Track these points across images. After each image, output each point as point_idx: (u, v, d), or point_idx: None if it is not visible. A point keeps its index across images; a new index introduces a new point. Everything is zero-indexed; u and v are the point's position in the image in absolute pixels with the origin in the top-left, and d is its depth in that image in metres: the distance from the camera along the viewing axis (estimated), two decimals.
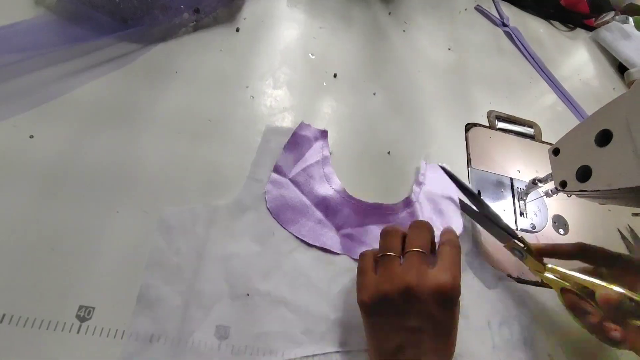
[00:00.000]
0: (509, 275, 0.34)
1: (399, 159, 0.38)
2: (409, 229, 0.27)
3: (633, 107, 0.25)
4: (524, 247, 0.31)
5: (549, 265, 0.30)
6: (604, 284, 0.27)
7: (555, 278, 0.29)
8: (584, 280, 0.27)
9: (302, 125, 0.35)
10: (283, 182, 0.32)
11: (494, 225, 0.32)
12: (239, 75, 0.37)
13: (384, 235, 0.27)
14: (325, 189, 0.32)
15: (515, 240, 0.31)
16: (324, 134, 0.35)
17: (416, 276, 0.24)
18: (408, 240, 0.26)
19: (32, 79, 0.30)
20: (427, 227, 0.27)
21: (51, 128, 0.29)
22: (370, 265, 0.26)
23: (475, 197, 0.34)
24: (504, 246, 0.32)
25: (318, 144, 0.34)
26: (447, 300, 0.24)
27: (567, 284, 0.28)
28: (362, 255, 0.27)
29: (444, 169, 0.36)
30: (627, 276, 0.29)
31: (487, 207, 0.34)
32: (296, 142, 0.34)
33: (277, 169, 0.32)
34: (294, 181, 0.32)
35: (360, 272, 0.26)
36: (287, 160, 0.33)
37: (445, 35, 0.52)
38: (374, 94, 0.41)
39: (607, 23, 0.68)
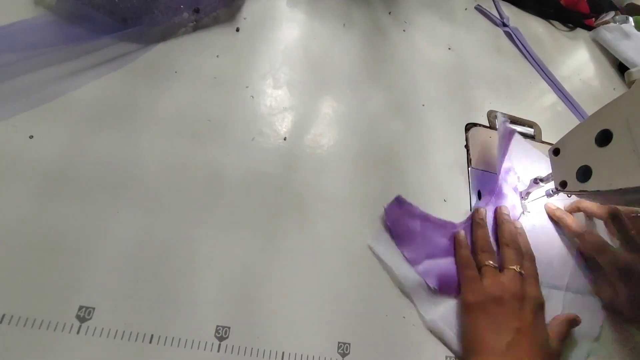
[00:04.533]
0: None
1: (399, 159, 0.38)
2: (505, 247, 0.33)
3: (633, 107, 0.25)
4: None
5: None
6: None
7: None
8: None
9: None
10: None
11: None
12: (239, 75, 0.37)
13: (482, 248, 0.33)
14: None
15: None
16: None
17: (519, 286, 0.30)
18: (505, 257, 0.32)
19: (31, 79, 0.30)
20: (517, 249, 0.33)
21: (51, 128, 0.29)
22: (476, 273, 0.31)
23: None
24: None
25: None
26: (539, 307, 0.30)
27: None
28: (466, 265, 0.32)
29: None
30: None
31: None
32: None
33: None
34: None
35: (467, 279, 0.31)
36: None
37: (445, 35, 0.52)
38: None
39: (607, 23, 0.68)
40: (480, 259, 0.32)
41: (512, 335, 0.28)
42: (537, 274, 0.32)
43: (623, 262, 0.32)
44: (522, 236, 0.35)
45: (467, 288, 0.31)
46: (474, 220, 0.35)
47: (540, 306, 0.30)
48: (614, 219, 0.34)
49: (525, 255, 0.33)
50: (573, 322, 0.32)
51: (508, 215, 0.35)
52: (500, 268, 0.32)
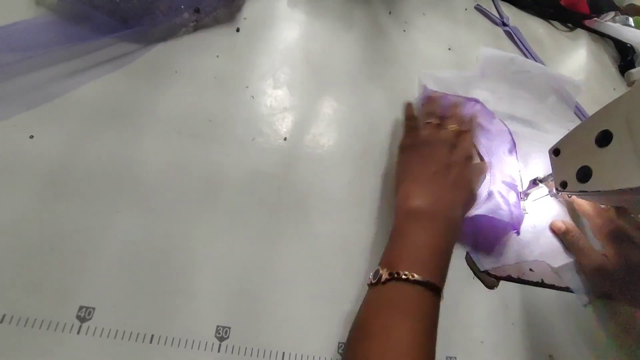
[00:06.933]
0: (508, 276, 0.34)
1: (396, 158, 0.38)
2: (448, 118, 0.35)
3: (633, 107, 0.25)
4: None
5: None
6: None
7: None
8: None
9: None
10: None
11: None
12: (239, 75, 0.37)
13: (429, 104, 0.37)
14: None
15: None
16: None
17: (452, 138, 0.33)
18: (447, 121, 0.35)
19: (32, 79, 0.30)
20: (460, 119, 0.36)
21: (51, 128, 0.29)
22: (417, 124, 0.35)
23: None
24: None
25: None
26: (468, 158, 0.33)
27: None
28: (409, 118, 0.37)
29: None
30: None
31: None
32: None
33: None
34: None
35: (408, 126, 0.36)
36: None
37: (445, 35, 0.52)
38: None
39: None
40: (425, 118, 0.35)
41: (439, 167, 0.31)
42: (475, 136, 0.36)
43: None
44: (474, 117, 0.37)
45: (405, 134, 0.35)
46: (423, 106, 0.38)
47: (468, 157, 0.33)
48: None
49: (469, 123, 0.36)
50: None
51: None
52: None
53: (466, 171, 0.32)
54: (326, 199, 0.33)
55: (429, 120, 0.35)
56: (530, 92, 0.49)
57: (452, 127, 0.34)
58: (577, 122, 0.50)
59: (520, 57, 0.51)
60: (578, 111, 0.51)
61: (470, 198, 0.31)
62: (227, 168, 0.32)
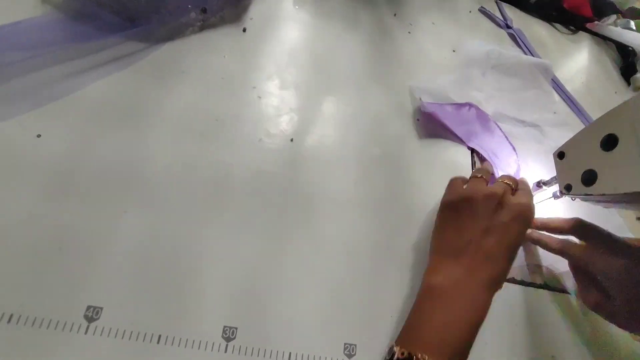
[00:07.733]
0: (512, 279, 0.34)
1: (405, 160, 0.38)
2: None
3: (639, 112, 0.25)
4: None
5: None
6: None
7: None
8: None
9: None
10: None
11: None
12: (246, 75, 0.37)
13: (478, 168, 0.34)
14: None
15: None
16: None
17: (503, 191, 0.29)
18: (500, 178, 0.32)
19: (38, 78, 0.30)
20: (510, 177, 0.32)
21: (58, 127, 0.29)
22: (460, 181, 0.32)
23: None
24: None
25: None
26: (524, 218, 0.28)
27: None
28: (454, 177, 0.32)
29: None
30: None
31: None
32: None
33: None
34: None
35: (451, 183, 0.32)
36: None
37: (449, 37, 0.52)
38: None
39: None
40: (473, 173, 0.32)
41: (475, 234, 0.27)
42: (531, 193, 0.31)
43: (617, 267, 0.28)
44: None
45: (447, 190, 0.32)
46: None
47: (516, 217, 0.28)
48: (582, 228, 0.32)
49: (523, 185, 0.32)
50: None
51: None
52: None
53: (507, 236, 0.27)
54: (332, 199, 0.33)
55: (477, 174, 0.31)
56: (512, 83, 0.49)
57: (505, 181, 0.30)
58: (558, 100, 0.52)
59: (494, 50, 0.50)
60: (581, 116, 0.51)
61: (506, 269, 0.28)
62: (234, 168, 0.32)
